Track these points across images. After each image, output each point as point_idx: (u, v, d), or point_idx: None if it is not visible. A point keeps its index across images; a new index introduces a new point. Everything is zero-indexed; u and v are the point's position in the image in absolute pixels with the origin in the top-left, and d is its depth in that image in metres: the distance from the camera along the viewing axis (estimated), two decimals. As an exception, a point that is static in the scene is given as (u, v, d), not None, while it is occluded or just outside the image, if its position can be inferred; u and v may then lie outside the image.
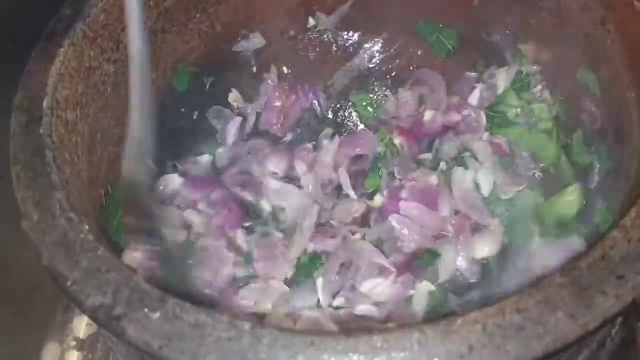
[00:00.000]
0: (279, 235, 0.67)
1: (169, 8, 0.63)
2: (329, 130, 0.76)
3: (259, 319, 0.60)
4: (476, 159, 0.70)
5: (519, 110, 0.70)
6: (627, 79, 0.55)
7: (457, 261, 0.64)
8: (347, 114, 0.79)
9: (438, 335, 0.35)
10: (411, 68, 0.77)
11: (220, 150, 0.73)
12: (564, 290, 0.36)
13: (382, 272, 0.63)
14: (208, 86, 0.71)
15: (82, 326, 0.66)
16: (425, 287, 0.63)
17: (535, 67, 0.70)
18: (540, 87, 0.69)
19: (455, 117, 0.72)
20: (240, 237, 0.66)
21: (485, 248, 0.65)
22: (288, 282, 0.64)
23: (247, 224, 0.68)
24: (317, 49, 0.77)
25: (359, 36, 0.77)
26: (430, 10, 0.72)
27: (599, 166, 0.62)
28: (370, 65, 0.78)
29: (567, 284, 0.37)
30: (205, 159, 0.72)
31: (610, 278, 0.37)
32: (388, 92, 0.78)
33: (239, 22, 0.71)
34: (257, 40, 0.73)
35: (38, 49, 0.52)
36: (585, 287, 0.36)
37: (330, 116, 0.79)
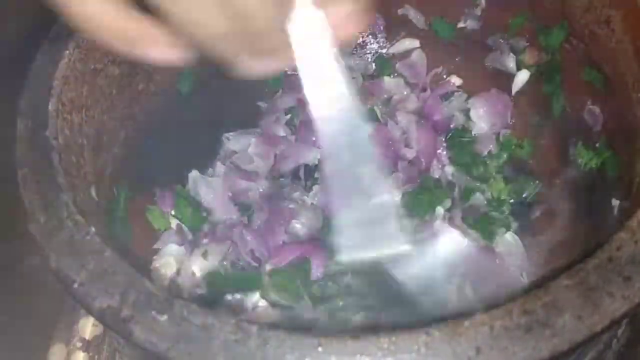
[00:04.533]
0: None
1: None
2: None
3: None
4: None
5: None
6: (632, 78, 0.55)
7: None
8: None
9: (445, 337, 0.35)
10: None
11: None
12: (570, 291, 0.36)
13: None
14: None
15: (87, 327, 0.66)
16: None
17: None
18: None
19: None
20: None
21: None
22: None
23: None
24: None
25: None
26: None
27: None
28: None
29: (573, 286, 0.37)
30: None
31: (617, 279, 0.37)
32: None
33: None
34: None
35: (43, 51, 0.52)
36: (591, 288, 0.36)
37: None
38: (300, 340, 0.35)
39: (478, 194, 0.69)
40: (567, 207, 0.67)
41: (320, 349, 0.35)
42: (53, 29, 0.53)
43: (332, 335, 0.35)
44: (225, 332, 0.36)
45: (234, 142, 0.74)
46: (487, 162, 0.73)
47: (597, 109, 0.62)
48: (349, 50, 0.78)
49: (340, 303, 0.64)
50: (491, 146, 0.73)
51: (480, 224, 0.66)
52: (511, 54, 0.71)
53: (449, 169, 0.72)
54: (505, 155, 0.73)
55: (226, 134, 0.74)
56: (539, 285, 0.36)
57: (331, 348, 0.35)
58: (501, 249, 0.66)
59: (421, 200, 0.68)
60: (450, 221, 0.67)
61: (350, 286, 0.65)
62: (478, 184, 0.70)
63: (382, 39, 0.78)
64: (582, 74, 0.63)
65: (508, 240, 0.66)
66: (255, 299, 0.63)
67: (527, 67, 0.70)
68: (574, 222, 0.66)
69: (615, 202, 0.56)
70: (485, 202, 0.69)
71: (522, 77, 0.71)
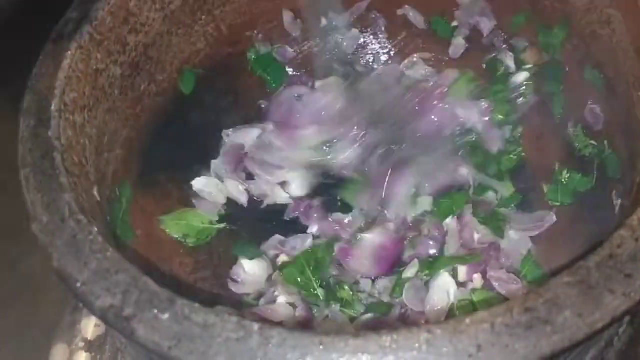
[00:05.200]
0: None
1: (174, 10, 0.63)
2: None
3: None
4: None
5: None
6: (633, 78, 0.55)
7: None
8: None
9: (446, 335, 0.35)
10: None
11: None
12: (571, 289, 0.36)
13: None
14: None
15: (90, 327, 0.66)
16: None
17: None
18: None
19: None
20: None
21: None
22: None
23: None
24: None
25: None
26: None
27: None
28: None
29: (574, 283, 0.37)
30: None
31: (618, 276, 0.37)
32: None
33: (245, 24, 0.72)
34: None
35: (45, 51, 0.52)
36: (592, 286, 0.36)
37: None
38: (301, 339, 0.35)
39: (490, 192, 0.70)
40: (568, 205, 0.67)
41: (321, 347, 0.35)
42: (55, 30, 0.54)
43: (334, 334, 0.35)
44: (227, 330, 0.36)
45: (234, 137, 0.74)
46: (499, 159, 0.73)
47: (598, 109, 0.63)
48: (350, 51, 0.78)
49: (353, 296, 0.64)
50: (500, 143, 0.73)
51: (491, 220, 0.67)
52: (510, 53, 0.71)
53: (463, 170, 0.72)
54: (513, 154, 0.73)
55: (225, 131, 0.74)
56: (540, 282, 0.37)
57: (332, 346, 0.35)
58: (506, 246, 0.66)
59: (441, 205, 0.69)
60: (460, 218, 0.67)
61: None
62: (495, 182, 0.71)
63: (383, 39, 0.78)
64: (583, 74, 0.63)
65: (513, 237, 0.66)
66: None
67: (528, 67, 0.70)
68: (575, 221, 0.66)
69: (617, 201, 0.57)
70: (496, 200, 0.70)
71: (522, 77, 0.71)
